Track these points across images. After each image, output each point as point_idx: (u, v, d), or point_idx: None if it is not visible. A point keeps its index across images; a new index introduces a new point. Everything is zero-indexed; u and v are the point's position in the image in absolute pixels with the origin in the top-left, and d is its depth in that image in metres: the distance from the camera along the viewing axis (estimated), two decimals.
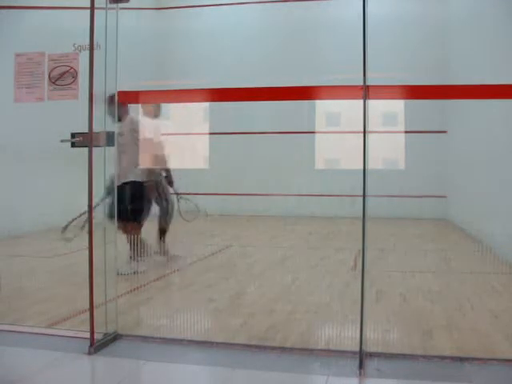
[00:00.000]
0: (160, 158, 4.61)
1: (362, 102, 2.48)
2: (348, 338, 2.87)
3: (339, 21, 8.24)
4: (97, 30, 2.62)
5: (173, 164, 10.65)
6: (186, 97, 3.04)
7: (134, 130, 4.17)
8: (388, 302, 3.58)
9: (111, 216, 2.89)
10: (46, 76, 2.86)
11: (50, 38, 3.77)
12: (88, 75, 2.62)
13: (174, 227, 4.72)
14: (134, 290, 3.84)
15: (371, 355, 2.52)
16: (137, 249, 4.13)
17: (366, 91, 2.46)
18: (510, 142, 4.86)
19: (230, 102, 2.89)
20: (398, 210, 8.38)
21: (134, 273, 4.07)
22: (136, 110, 4.05)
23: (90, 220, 2.65)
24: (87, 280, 2.66)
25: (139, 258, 4.09)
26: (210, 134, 9.32)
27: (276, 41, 9.12)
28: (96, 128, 2.66)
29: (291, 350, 2.66)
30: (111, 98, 2.74)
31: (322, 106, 9.20)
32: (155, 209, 4.71)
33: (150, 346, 2.71)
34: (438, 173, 8.64)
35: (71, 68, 2.83)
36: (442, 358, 2.52)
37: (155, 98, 3.23)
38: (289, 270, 4.54)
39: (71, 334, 2.85)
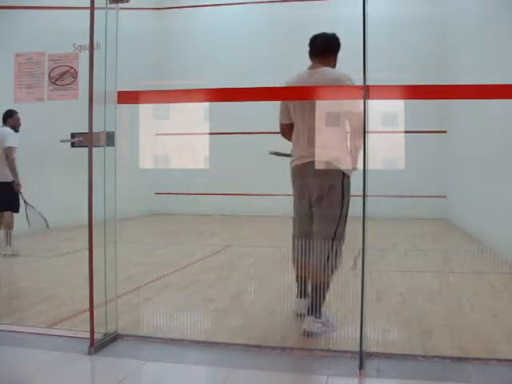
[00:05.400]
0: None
1: (361, 102, 2.48)
2: (348, 338, 2.87)
3: (339, 20, 8.25)
4: (97, 30, 2.61)
5: (173, 164, 10.63)
6: (186, 97, 3.03)
7: None
8: (388, 302, 3.58)
9: None
10: (46, 76, 2.86)
11: (50, 38, 3.78)
12: (88, 75, 2.62)
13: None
14: (134, 289, 3.85)
15: (371, 355, 2.52)
16: None
17: (366, 91, 2.46)
18: (510, 142, 4.86)
19: (229, 102, 2.88)
20: (398, 210, 8.39)
21: None
22: None
23: (89, 220, 2.65)
24: (87, 280, 2.66)
25: None
26: (210, 134, 9.33)
27: (276, 41, 9.12)
28: (96, 128, 2.66)
29: (291, 349, 2.66)
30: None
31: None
32: None
33: (150, 346, 2.71)
34: (438, 173, 8.65)
35: (71, 68, 2.83)
36: (442, 357, 2.52)
37: (155, 98, 3.23)
38: (289, 270, 4.54)
39: (71, 334, 2.85)
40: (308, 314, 2.94)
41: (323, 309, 2.97)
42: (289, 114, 3.19)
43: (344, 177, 3.05)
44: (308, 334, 2.87)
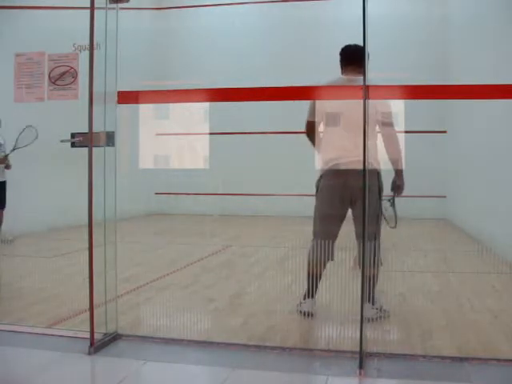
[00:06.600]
0: None
1: (361, 102, 2.48)
2: (348, 338, 2.87)
3: (339, 21, 8.25)
4: (97, 30, 2.61)
5: (173, 164, 10.64)
6: (186, 97, 3.03)
7: None
8: (388, 302, 3.57)
9: None
10: (46, 76, 2.86)
11: (50, 38, 3.77)
12: (88, 75, 2.62)
13: None
14: (134, 289, 3.85)
15: (371, 355, 2.52)
16: None
17: (366, 91, 2.46)
18: (510, 142, 4.86)
19: (230, 102, 2.89)
20: (398, 210, 8.37)
21: None
22: None
23: (89, 220, 2.65)
24: (87, 280, 2.66)
25: None
26: (210, 134, 9.32)
27: (276, 40, 9.12)
28: (96, 128, 2.66)
29: (291, 349, 2.66)
30: None
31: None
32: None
33: (150, 346, 2.71)
34: (438, 173, 8.64)
35: (71, 68, 2.83)
36: (442, 357, 2.52)
37: (155, 98, 3.23)
38: (289, 270, 4.54)
39: (71, 334, 2.86)
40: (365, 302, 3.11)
41: (376, 296, 3.16)
42: (316, 112, 3.32)
43: (379, 177, 3.28)
44: (368, 320, 2.99)
